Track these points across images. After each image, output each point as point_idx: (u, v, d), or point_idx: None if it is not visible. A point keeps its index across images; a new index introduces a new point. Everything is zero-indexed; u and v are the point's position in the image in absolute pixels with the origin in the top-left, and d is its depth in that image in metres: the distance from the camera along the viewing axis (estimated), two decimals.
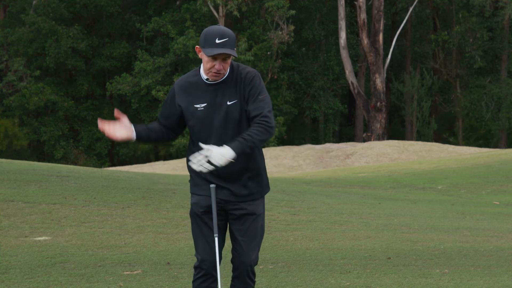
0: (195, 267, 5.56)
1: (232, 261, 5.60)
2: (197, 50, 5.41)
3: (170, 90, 5.59)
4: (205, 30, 5.40)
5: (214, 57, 5.30)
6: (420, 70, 53.94)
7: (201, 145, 5.33)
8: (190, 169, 5.52)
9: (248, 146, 5.25)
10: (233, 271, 5.63)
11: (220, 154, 5.21)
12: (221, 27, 5.37)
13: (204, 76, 5.45)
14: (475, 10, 51.62)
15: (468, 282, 7.85)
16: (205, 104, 5.43)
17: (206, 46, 5.31)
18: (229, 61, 5.37)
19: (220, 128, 5.43)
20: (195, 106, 5.44)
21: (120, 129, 5.46)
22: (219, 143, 5.40)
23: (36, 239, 9.61)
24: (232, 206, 5.50)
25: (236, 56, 5.34)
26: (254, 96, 5.43)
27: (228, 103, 5.42)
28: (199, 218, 5.51)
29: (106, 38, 52.61)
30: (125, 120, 5.48)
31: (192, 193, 5.56)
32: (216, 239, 5.46)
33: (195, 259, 5.61)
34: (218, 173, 5.44)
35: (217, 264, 5.51)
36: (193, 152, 5.48)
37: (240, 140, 5.26)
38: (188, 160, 5.46)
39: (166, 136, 5.62)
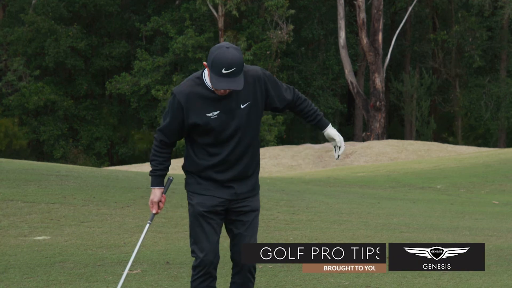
0: (194, 267, 5.55)
1: (232, 258, 5.61)
2: (204, 65, 5.29)
3: (173, 103, 5.38)
4: (214, 51, 5.20)
5: None
6: (419, 70, 53.90)
7: (335, 141, 5.62)
8: (193, 169, 5.51)
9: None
10: (233, 268, 5.64)
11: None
12: (229, 52, 5.16)
13: (209, 84, 5.33)
14: (474, 9, 51.57)
15: (467, 282, 7.85)
16: (218, 112, 5.33)
17: (212, 72, 5.18)
18: None
19: (238, 133, 5.37)
20: (207, 115, 5.32)
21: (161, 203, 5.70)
22: (237, 149, 5.38)
23: (35, 238, 9.60)
24: (236, 204, 5.51)
25: (241, 89, 5.23)
26: (279, 87, 5.50)
27: (242, 106, 5.36)
28: (202, 217, 5.49)
29: (105, 38, 52.57)
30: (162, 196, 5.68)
31: (193, 192, 5.51)
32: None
33: (194, 258, 5.60)
34: (228, 173, 5.44)
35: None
36: (198, 164, 5.43)
37: (321, 113, 5.59)
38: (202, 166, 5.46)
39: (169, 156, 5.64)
